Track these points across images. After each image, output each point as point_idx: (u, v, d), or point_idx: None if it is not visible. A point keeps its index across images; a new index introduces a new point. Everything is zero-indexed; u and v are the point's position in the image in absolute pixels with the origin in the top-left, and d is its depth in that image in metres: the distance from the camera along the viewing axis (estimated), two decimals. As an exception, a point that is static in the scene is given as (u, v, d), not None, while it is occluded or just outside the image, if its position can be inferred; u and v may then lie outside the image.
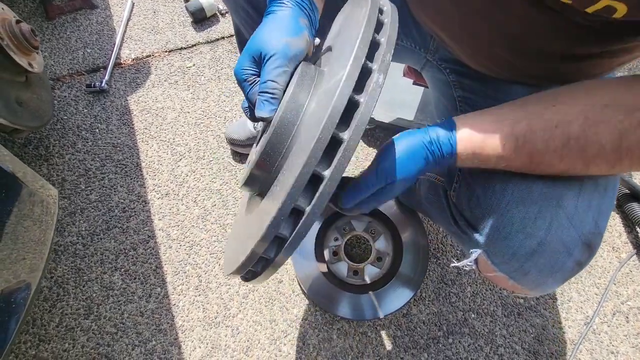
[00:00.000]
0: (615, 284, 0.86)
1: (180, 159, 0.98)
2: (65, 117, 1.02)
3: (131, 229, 0.90)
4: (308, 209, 0.27)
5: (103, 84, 1.05)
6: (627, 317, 0.83)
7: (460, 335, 0.81)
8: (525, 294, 0.42)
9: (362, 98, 0.27)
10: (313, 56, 0.42)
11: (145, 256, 0.87)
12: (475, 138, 0.36)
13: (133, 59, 1.12)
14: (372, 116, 0.95)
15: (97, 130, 1.01)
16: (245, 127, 0.94)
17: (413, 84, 0.76)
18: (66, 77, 1.08)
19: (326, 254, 0.83)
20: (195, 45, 1.15)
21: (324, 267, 0.81)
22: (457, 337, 0.80)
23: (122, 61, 1.11)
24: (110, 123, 1.02)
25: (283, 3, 0.37)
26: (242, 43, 0.71)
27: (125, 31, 1.16)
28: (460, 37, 0.47)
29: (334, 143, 0.26)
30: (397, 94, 0.99)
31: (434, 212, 0.57)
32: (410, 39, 0.57)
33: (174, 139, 1.01)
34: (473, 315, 0.83)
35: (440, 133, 0.36)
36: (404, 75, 0.76)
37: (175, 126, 1.02)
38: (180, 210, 0.92)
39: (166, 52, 1.14)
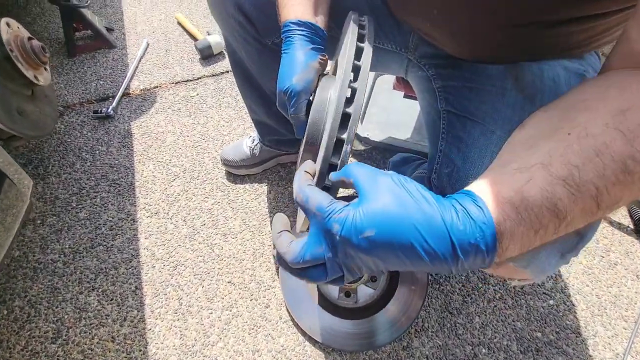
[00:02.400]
0: (646, 318, 0.76)
1: (175, 179, 0.98)
2: (69, 140, 1.05)
3: (115, 247, 0.86)
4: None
5: (109, 110, 1.09)
6: (667, 357, 0.71)
7: (470, 373, 0.70)
8: (522, 278, 0.37)
9: (356, 84, 0.37)
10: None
11: (126, 276, 0.82)
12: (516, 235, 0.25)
13: (141, 90, 1.18)
14: (368, 136, 0.95)
15: (97, 151, 1.03)
16: (240, 149, 0.94)
17: (404, 97, 0.77)
18: (76, 104, 1.14)
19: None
20: (200, 77, 1.22)
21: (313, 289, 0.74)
22: (467, 376, 0.70)
23: (130, 91, 1.18)
24: (111, 145, 1.04)
25: (290, 41, 0.44)
26: (235, 62, 0.72)
27: (137, 66, 1.25)
28: (440, 19, 0.48)
29: (345, 117, 0.36)
30: (392, 115, 1.00)
31: None
32: (391, 42, 0.58)
33: (170, 160, 1.01)
34: (484, 350, 0.72)
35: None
36: (394, 88, 0.77)
37: (173, 148, 1.04)
38: (169, 229, 0.89)
39: (173, 83, 1.20)
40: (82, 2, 1.20)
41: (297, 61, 0.43)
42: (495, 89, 0.47)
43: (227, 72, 1.23)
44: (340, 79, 0.37)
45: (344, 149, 0.35)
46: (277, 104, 0.48)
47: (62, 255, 0.85)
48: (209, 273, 0.82)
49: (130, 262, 0.84)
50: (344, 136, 0.36)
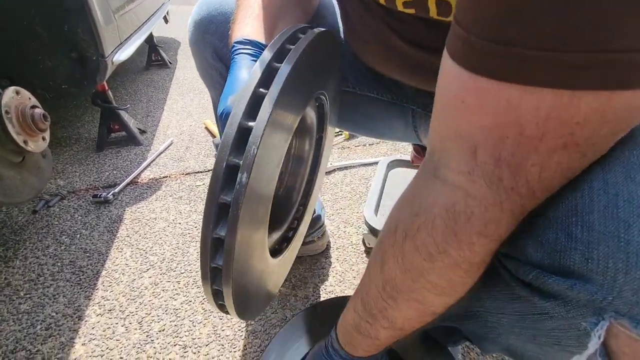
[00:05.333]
0: None
1: (148, 269, 0.81)
2: (56, 223, 0.97)
3: (40, 355, 0.64)
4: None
5: (109, 195, 1.04)
6: None
7: None
8: None
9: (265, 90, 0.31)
10: None
11: (32, 401, 0.57)
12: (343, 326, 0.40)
13: (150, 179, 1.16)
14: (375, 227, 0.77)
15: (78, 235, 0.92)
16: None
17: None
18: (82, 190, 1.11)
19: None
20: (211, 170, 1.19)
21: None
22: None
23: (139, 180, 1.15)
24: (96, 230, 0.94)
25: (233, 61, 0.38)
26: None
27: (154, 159, 1.26)
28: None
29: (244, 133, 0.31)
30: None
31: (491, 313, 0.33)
32: (390, 93, 0.50)
33: (151, 247, 0.87)
34: None
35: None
36: (412, 162, 0.64)
37: (159, 235, 0.91)
38: (117, 332, 0.67)
39: (183, 174, 1.17)
40: (121, 105, 1.32)
41: (237, 80, 0.35)
42: None
43: (240, 165, 1.20)
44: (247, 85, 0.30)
45: (238, 178, 0.29)
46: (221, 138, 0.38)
47: (-30, 361, 0.64)
48: None
49: (49, 378, 0.60)
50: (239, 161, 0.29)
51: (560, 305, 0.22)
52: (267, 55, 0.32)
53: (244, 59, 0.37)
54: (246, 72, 0.36)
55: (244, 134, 0.29)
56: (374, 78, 0.50)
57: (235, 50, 0.38)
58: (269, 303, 0.64)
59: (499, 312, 0.31)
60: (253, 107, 0.30)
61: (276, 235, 0.48)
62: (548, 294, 0.23)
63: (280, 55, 0.32)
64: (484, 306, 0.33)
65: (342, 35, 0.52)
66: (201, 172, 1.18)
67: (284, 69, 0.31)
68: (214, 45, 0.49)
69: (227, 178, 0.30)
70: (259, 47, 0.38)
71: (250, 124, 0.29)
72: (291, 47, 0.33)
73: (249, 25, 0.39)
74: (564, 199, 0.22)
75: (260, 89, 0.30)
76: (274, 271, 0.47)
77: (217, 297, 0.35)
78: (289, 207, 0.53)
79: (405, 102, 0.50)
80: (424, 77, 0.43)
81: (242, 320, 0.69)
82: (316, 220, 0.76)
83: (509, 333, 0.32)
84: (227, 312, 0.38)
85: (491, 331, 0.35)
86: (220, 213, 0.30)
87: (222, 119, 0.34)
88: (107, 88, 1.28)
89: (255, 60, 0.37)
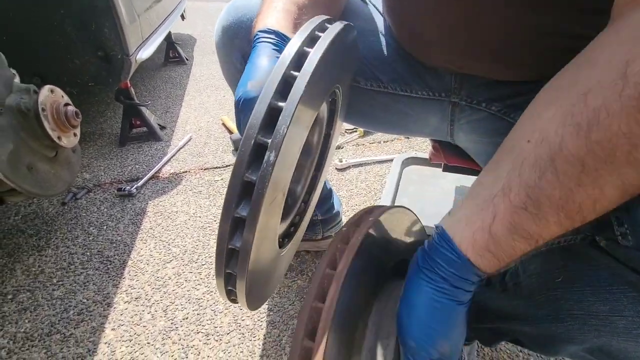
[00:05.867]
0: None
1: (171, 260, 0.85)
2: (84, 215, 1.02)
3: (74, 338, 0.69)
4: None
5: (132, 189, 1.08)
6: None
7: None
8: None
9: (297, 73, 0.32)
10: None
11: (68, 380, 0.62)
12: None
13: (170, 174, 1.20)
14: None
15: (104, 227, 0.97)
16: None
17: (443, 169, 0.64)
18: (107, 184, 1.16)
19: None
20: (229, 165, 1.22)
21: None
22: None
23: (160, 174, 1.19)
24: (121, 222, 0.98)
25: (254, 48, 0.38)
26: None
27: (174, 155, 1.30)
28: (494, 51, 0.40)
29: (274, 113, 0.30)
30: (426, 206, 0.85)
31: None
32: (426, 88, 0.50)
33: (173, 239, 0.91)
34: None
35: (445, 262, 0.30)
36: (430, 159, 0.65)
37: (180, 228, 0.95)
38: (143, 319, 0.71)
39: (202, 169, 1.21)
40: (143, 101, 1.37)
41: (257, 66, 0.35)
42: None
43: (256, 161, 1.23)
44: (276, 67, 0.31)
45: (265, 157, 0.28)
46: (236, 125, 0.39)
47: (11, 341, 0.69)
48: None
49: (82, 360, 0.65)
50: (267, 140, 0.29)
51: None
52: (298, 39, 0.32)
53: (266, 47, 0.36)
54: (266, 60, 0.35)
55: (273, 114, 0.29)
56: (411, 75, 0.50)
57: (258, 38, 0.37)
58: (268, 298, 0.60)
59: (614, 314, 0.28)
60: (283, 89, 0.30)
61: (281, 228, 0.46)
62: None
63: (310, 42, 0.33)
64: (588, 309, 0.29)
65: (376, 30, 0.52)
66: (219, 167, 1.21)
67: (316, 53, 0.31)
68: (243, 50, 0.51)
69: (253, 156, 0.29)
70: (281, 38, 0.38)
71: (280, 104, 0.29)
72: (320, 34, 0.33)
73: (273, 16, 0.39)
74: None
75: (291, 72, 0.30)
76: (279, 264, 0.45)
77: (229, 281, 0.33)
78: (293, 201, 0.51)
79: (445, 97, 0.49)
80: (494, 50, 0.40)
81: (258, 311, 0.72)
82: (335, 217, 0.78)
83: (617, 334, 0.29)
84: (233, 301, 0.35)
85: (588, 332, 0.31)
86: (244, 192, 0.29)
87: (239, 104, 0.33)
88: (129, 85, 1.32)
89: (277, 50, 0.36)
